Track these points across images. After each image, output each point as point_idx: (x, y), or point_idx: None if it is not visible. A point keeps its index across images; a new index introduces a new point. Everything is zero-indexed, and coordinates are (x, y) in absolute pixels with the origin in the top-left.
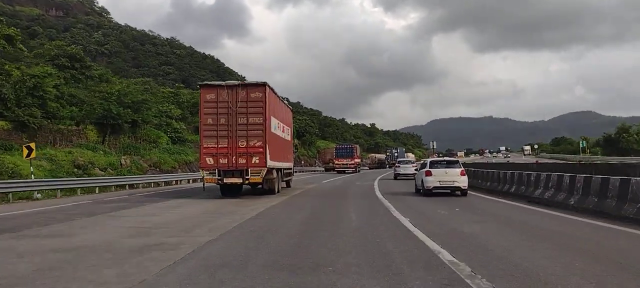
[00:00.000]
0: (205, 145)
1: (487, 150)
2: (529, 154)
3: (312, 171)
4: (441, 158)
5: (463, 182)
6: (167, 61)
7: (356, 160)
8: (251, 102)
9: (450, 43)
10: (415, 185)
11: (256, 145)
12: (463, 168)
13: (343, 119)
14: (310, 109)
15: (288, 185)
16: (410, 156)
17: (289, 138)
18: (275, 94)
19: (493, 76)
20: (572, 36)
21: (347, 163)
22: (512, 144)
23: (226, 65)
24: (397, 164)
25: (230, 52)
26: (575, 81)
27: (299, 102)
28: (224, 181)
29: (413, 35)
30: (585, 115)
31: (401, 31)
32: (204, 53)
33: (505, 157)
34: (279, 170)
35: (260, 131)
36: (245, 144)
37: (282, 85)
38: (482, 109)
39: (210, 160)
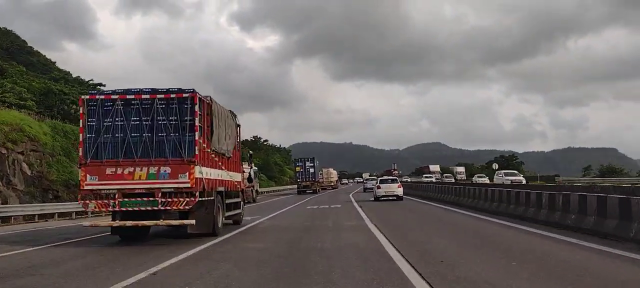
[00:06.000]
0: None
1: (396, 171)
2: (462, 176)
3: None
4: (387, 177)
5: (400, 191)
6: None
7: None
8: None
9: (308, 68)
10: (373, 194)
11: None
12: (400, 183)
13: None
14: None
15: None
16: (333, 172)
17: None
18: None
19: (348, 104)
20: (419, 72)
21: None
22: (372, 169)
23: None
24: (364, 181)
25: (72, 56)
26: (421, 114)
27: None
28: None
29: (273, 58)
30: (435, 146)
31: (261, 52)
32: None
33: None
34: None
35: None
36: None
37: None
38: (340, 135)
39: None
